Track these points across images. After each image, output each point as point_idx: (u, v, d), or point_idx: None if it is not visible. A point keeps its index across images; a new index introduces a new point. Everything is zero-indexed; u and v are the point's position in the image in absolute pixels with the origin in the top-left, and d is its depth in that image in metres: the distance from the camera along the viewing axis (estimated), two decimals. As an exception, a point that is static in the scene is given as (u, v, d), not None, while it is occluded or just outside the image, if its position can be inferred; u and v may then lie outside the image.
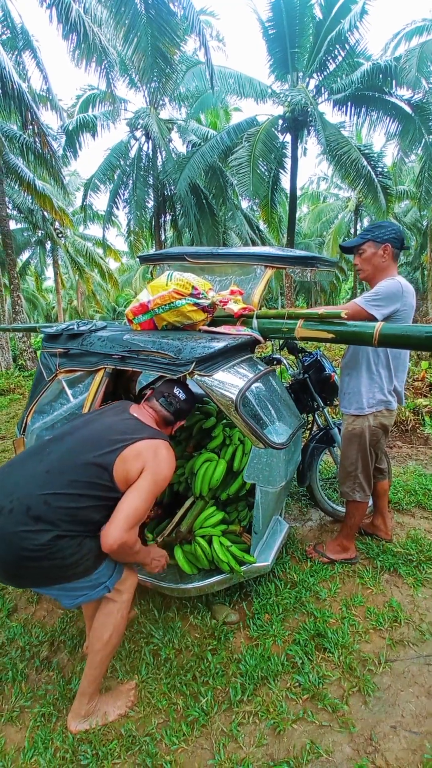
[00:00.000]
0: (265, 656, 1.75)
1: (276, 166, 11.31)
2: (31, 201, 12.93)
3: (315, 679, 1.65)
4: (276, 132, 10.72)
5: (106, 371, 1.95)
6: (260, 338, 2.02)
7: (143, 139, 12.33)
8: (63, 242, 18.72)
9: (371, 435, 2.09)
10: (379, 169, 10.68)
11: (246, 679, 1.66)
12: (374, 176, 10.43)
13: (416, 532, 2.56)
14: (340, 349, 6.52)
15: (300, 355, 2.82)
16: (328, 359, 2.79)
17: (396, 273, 2.06)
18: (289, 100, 10.11)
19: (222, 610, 1.98)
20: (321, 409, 2.70)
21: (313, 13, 9.28)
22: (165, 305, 2.03)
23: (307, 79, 10.46)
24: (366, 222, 20.88)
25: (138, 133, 12.30)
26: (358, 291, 21.70)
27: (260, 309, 2.18)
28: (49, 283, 29.13)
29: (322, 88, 10.53)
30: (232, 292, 2.17)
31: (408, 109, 9.74)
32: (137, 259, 2.78)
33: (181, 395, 1.69)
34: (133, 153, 12.46)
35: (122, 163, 12.36)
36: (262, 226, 15.15)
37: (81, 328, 2.14)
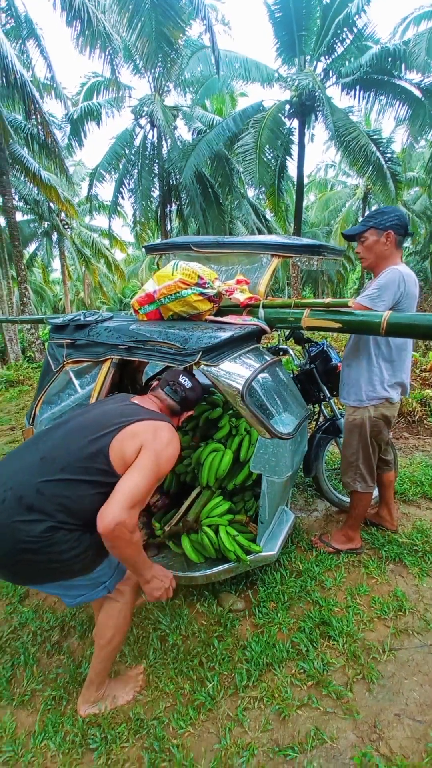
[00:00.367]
0: (271, 643, 1.77)
1: (283, 153, 11.10)
2: (37, 192, 12.90)
3: (320, 666, 1.67)
4: (283, 118, 10.50)
5: (112, 362, 1.95)
6: (266, 328, 2.00)
7: (148, 126, 12.17)
8: (69, 233, 18.68)
9: (372, 426, 2.07)
10: (388, 155, 10.43)
11: (251, 665, 1.69)
12: (383, 162, 10.19)
13: (422, 522, 2.55)
14: (345, 339, 6.48)
15: (306, 345, 2.80)
16: (334, 349, 2.77)
17: (399, 261, 2.01)
18: (296, 84, 9.88)
19: (228, 598, 2.00)
20: (327, 399, 2.69)
21: (320, -6, 9.02)
22: (171, 295, 2.02)
23: (315, 62, 10.20)
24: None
25: (143, 121, 12.14)
26: (366, 280, 21.41)
27: (266, 299, 2.16)
28: (56, 275, 29.15)
29: (330, 72, 10.26)
30: (238, 282, 2.15)
31: (418, 93, 9.48)
32: (143, 250, 2.77)
33: (187, 383, 1.63)
34: (138, 141, 12.31)
35: (127, 151, 12.22)
36: (268, 215, 14.94)
37: (87, 319, 2.14)
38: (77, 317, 2.15)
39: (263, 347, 2.15)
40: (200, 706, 1.55)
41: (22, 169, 10.36)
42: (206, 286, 2.04)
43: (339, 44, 9.54)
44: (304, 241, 2.35)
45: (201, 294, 2.03)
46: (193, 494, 2.12)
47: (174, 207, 13.53)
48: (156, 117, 10.28)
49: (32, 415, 2.21)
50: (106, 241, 18.27)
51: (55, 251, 20.38)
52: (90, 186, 12.60)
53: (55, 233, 18.42)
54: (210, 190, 12.16)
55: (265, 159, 9.96)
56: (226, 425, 2.21)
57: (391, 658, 1.73)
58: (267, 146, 9.94)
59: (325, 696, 1.57)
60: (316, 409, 2.89)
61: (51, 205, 14.55)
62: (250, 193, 14.16)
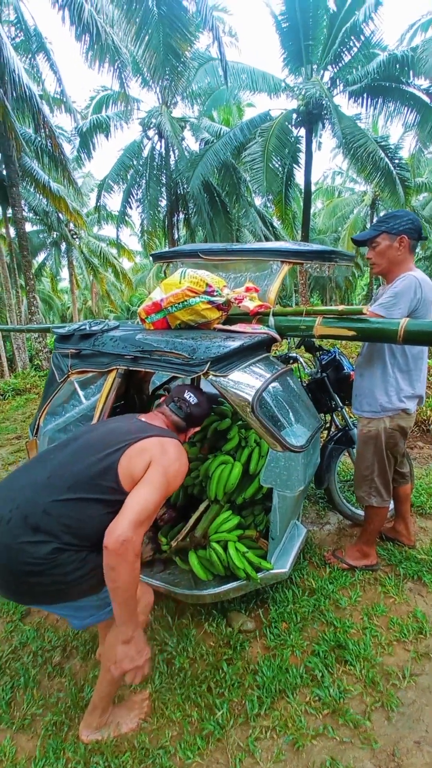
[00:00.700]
0: (283, 668, 1.68)
1: (290, 161, 11.13)
2: (46, 203, 13.10)
3: (336, 694, 1.58)
4: (290, 126, 10.56)
5: (118, 372, 1.90)
6: (277, 336, 1.94)
7: (156, 138, 12.33)
8: (77, 243, 18.93)
9: (388, 437, 1.98)
10: (397, 161, 10.40)
11: (263, 691, 1.60)
12: (392, 168, 10.16)
13: (441, 538, 2.44)
14: (356, 346, 6.37)
15: (318, 353, 2.73)
16: (346, 357, 2.70)
17: (413, 266, 1.94)
18: (303, 93, 9.93)
19: (238, 618, 1.92)
20: (339, 408, 2.61)
21: (326, 5, 9.09)
22: (178, 303, 1.98)
23: (322, 71, 10.26)
24: (383, 216, 20.40)
25: (151, 133, 12.31)
26: (374, 287, 21.29)
27: (276, 306, 2.10)
28: (64, 284, 29.55)
29: (337, 80, 10.31)
30: (248, 289, 2.10)
31: (426, 99, 9.48)
32: (150, 259, 2.75)
33: (192, 399, 1.61)
34: (146, 152, 12.48)
35: (135, 162, 12.39)
36: (275, 222, 14.98)
37: (93, 328, 2.11)
38: (83, 326, 2.11)
39: (272, 356, 2.09)
40: (209, 735, 1.47)
41: (32, 180, 10.54)
42: (215, 294, 2.00)
43: (346, 52, 9.59)
44: (315, 247, 2.30)
45: (209, 302, 1.98)
46: (201, 508, 2.05)
47: (181, 216, 13.64)
48: (164, 128, 10.41)
49: (36, 427, 2.17)
50: (114, 250, 18.48)
51: (63, 260, 20.67)
52: (98, 196, 12.77)
53: (64, 243, 18.69)
54: (217, 198, 12.24)
55: (272, 167, 10.00)
56: (236, 436, 2.14)
57: (412, 683, 1.64)
58: (274, 154, 9.98)
59: (342, 725, 1.49)
60: (327, 419, 2.81)
61: (60, 215, 14.76)
62: (258, 201, 14.23)
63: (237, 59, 11.35)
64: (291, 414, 1.86)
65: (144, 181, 12.45)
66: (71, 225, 16.78)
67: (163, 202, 13.06)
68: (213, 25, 6.79)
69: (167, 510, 2.25)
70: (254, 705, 1.55)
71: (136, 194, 12.84)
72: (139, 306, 2.17)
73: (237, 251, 2.33)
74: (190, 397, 1.62)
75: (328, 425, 2.80)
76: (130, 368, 1.86)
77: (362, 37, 9.13)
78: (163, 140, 11.90)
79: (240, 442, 2.15)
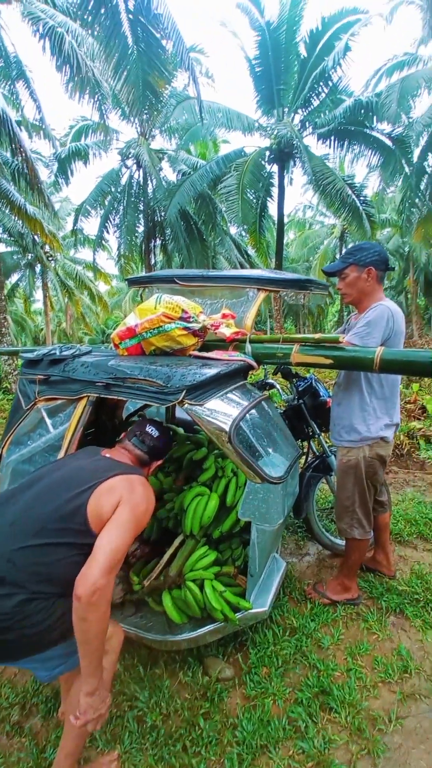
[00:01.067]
0: (264, 720, 1.56)
1: (264, 194, 11.62)
2: (21, 225, 12.98)
3: (320, 745, 1.48)
4: (263, 162, 11.08)
5: (89, 399, 1.81)
6: (254, 364, 1.92)
7: (134, 167, 12.62)
8: (53, 265, 18.77)
9: (367, 466, 1.96)
10: (362, 198, 11.06)
11: (243, 748, 1.47)
12: (359, 204, 10.78)
13: (420, 566, 2.41)
14: (331, 373, 6.50)
15: (294, 380, 2.73)
16: (322, 383, 2.71)
17: (382, 296, 1.98)
18: (275, 133, 10.50)
19: (215, 664, 1.79)
20: (317, 435, 2.59)
21: (298, 51, 9.73)
22: (153, 329, 1.93)
23: (293, 114, 10.91)
24: (351, 248, 21.47)
25: (129, 162, 12.60)
26: (344, 314, 22.14)
27: (252, 333, 2.09)
28: (38, 305, 29.03)
29: (307, 123, 10.98)
30: (224, 316, 2.09)
31: (389, 143, 10.18)
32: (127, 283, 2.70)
33: (154, 433, 1.61)
34: (124, 180, 12.72)
35: (113, 189, 12.58)
36: (250, 251, 15.45)
37: (63, 353, 2.01)
38: (52, 351, 2.02)
39: (249, 382, 2.05)
40: (184, 805, 1.32)
41: (8, 203, 10.45)
42: (191, 320, 1.96)
43: (315, 97, 10.26)
44: (291, 275, 2.33)
45: (185, 328, 1.94)
46: (176, 543, 1.93)
47: (158, 242, 13.84)
48: (142, 159, 10.68)
49: (-1, 457, 2.02)
50: (90, 273, 18.42)
51: (38, 282, 20.39)
52: (75, 220, 12.81)
53: (39, 265, 18.49)
54: (194, 226, 12.54)
55: (247, 199, 10.38)
56: (212, 466, 2.07)
57: (398, 727, 1.56)
58: (249, 188, 10.40)
59: (328, 782, 1.37)
60: (304, 446, 2.78)
61: (36, 237, 14.65)
62: (233, 230, 14.69)
63: (213, 98, 11.95)
64: (269, 443, 1.82)
65: (122, 207, 12.62)
66: (47, 247, 16.67)
67: (141, 228, 13.24)
68: (190, 66, 7.12)
69: (140, 545, 2.11)
70: (234, 763, 1.42)
71: (114, 219, 12.98)
72: (114, 329, 2.10)
73: (214, 278, 2.33)
74: (152, 430, 1.62)
75: (305, 452, 2.77)
76: (102, 396, 1.77)
77: (330, 83, 9.81)
78: (141, 170, 12.19)
79: (216, 472, 2.07)
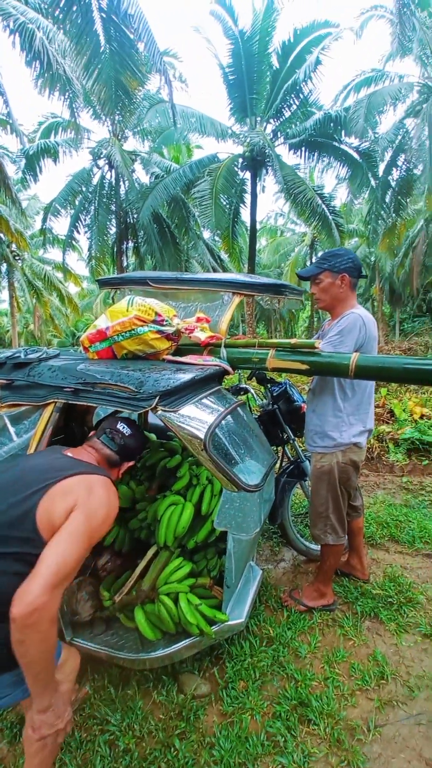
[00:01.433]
0: (242, 736, 1.51)
1: (237, 200, 11.72)
2: (-15, 222, 12.44)
3: (300, 759, 1.45)
4: (236, 169, 11.17)
5: (56, 406, 1.71)
6: (229, 369, 1.88)
7: (106, 168, 12.39)
8: (20, 265, 18.11)
9: (341, 472, 1.96)
10: (332, 208, 11.38)
11: (221, 767, 1.41)
12: (328, 214, 11.08)
13: (393, 569, 2.45)
14: (306, 379, 6.60)
15: (268, 385, 2.72)
16: (296, 388, 2.71)
17: (355, 303, 2.00)
18: (248, 140, 10.64)
19: (190, 681, 1.72)
20: (291, 440, 2.59)
21: (270, 61, 9.90)
22: (125, 332, 1.86)
23: (265, 123, 11.09)
24: (321, 256, 22.05)
25: (101, 162, 12.36)
26: (315, 320, 22.68)
27: (227, 337, 2.06)
28: (3, 306, 27.93)
29: (279, 133, 11.19)
30: (199, 320, 2.04)
31: (356, 156, 10.54)
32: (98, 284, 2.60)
33: (126, 430, 1.49)
34: (95, 180, 12.46)
35: (84, 189, 12.30)
36: (223, 256, 15.53)
37: (29, 356, 1.90)
38: (16, 354, 1.90)
39: (224, 387, 2.02)
40: None
41: (-29, 199, 10.00)
42: (164, 323, 1.91)
43: (287, 109, 10.47)
44: (267, 280, 2.32)
45: (158, 332, 1.88)
46: (149, 554, 1.86)
47: (131, 244, 13.64)
48: (114, 159, 10.50)
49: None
50: (60, 274, 17.92)
51: (3, 282, 19.59)
52: (44, 219, 12.41)
53: (4, 264, 17.79)
54: (167, 229, 12.45)
55: (220, 205, 10.43)
56: (186, 474, 2.01)
57: (377, 736, 1.55)
58: (222, 193, 10.45)
59: (307, 799, 1.34)
60: (278, 451, 2.77)
61: (1, 235, 14.09)
62: (206, 234, 14.72)
63: (187, 103, 11.94)
64: (245, 450, 1.78)
65: (93, 208, 12.34)
66: (13, 246, 16.06)
67: (113, 230, 13.00)
68: (163, 69, 7.10)
69: (110, 557, 2.02)
70: (210, 788, 1.36)
71: (85, 220, 12.67)
72: (84, 332, 2.01)
73: (188, 280, 2.28)
74: (123, 428, 1.50)
75: (279, 457, 2.76)
76: (70, 402, 1.68)
77: (301, 96, 10.04)
78: (113, 170, 11.98)
79: (191, 480, 2.02)
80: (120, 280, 2.56)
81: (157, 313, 1.89)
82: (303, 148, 10.97)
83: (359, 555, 2.34)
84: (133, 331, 1.84)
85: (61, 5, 6.60)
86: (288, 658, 1.83)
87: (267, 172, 11.51)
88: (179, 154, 14.99)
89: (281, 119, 10.83)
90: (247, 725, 1.55)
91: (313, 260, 2.18)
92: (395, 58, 10.27)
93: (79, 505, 1.12)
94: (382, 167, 10.67)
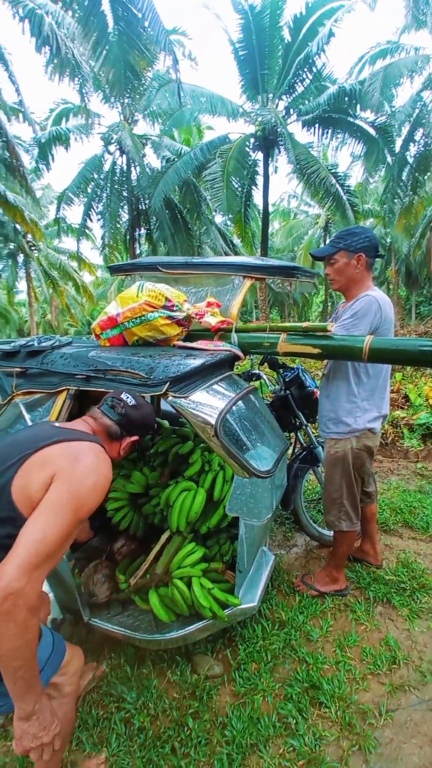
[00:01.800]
0: (254, 717, 1.53)
1: (249, 183, 11.44)
2: (1, 213, 12.53)
3: (311, 742, 1.46)
4: (248, 150, 10.88)
5: (69, 393, 1.72)
6: (240, 354, 1.86)
7: (117, 153, 12.25)
8: (36, 255, 18.25)
9: (355, 458, 1.92)
10: (346, 188, 11.00)
11: (233, 747, 1.44)
12: (342, 194, 10.71)
13: (406, 555, 2.42)
14: (318, 364, 6.51)
15: (280, 370, 2.68)
16: (309, 374, 2.67)
17: (371, 284, 1.91)
18: (259, 119, 10.31)
19: (204, 662, 1.75)
20: (304, 426, 2.56)
21: (281, 35, 9.49)
22: (136, 318, 1.85)
23: (277, 100, 10.71)
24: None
25: (112, 148, 12.22)
26: (329, 305, 22.23)
27: (238, 322, 2.03)
28: (21, 296, 28.28)
29: (291, 110, 10.80)
30: (209, 305, 2.02)
31: (372, 132, 10.10)
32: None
33: (130, 401, 1.35)
34: (107, 167, 12.34)
35: (96, 176, 12.21)
36: (236, 240, 15.28)
37: (42, 344, 1.91)
38: (30, 343, 1.92)
39: (235, 373, 1.99)
40: (173, 808, 1.29)
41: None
42: (174, 308, 1.89)
43: (299, 84, 10.07)
44: (278, 262, 2.26)
45: (169, 317, 1.87)
46: (163, 539, 1.88)
47: (143, 231, 13.54)
48: (125, 144, 10.36)
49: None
50: (75, 264, 17.99)
51: (21, 273, 19.80)
52: (58, 208, 12.41)
53: (21, 255, 17.95)
54: (179, 215, 12.30)
55: (232, 188, 10.21)
56: (198, 461, 2.01)
57: (388, 720, 1.55)
58: (234, 176, 10.21)
59: (319, 778, 1.36)
60: (291, 437, 2.75)
61: (17, 226, 14.18)
62: (218, 219, 14.48)
63: (197, 83, 11.64)
64: (256, 436, 1.77)
65: (105, 195, 12.27)
66: (29, 236, 16.16)
67: (125, 217, 12.92)
68: (169, 48, 6.90)
69: (126, 542, 2.06)
70: (224, 764, 1.39)
71: (97, 207, 12.62)
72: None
73: (198, 265, 2.25)
74: (127, 398, 1.36)
75: (292, 443, 2.74)
76: (82, 389, 1.69)
77: (314, 69, 9.63)
78: (124, 156, 11.84)
79: (203, 467, 2.02)
80: (131, 266, 2.54)
81: (167, 299, 1.87)
82: (317, 125, 10.57)
83: (372, 541, 2.33)
84: (143, 317, 1.83)
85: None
86: (300, 642, 1.84)
87: (279, 152, 11.16)
88: (190, 137, 14.68)
89: (294, 95, 10.43)
90: (259, 706, 1.58)
91: (333, 236, 2.07)
92: (410, 30, 9.71)
93: (60, 476, 1.01)
94: (398, 143, 10.19)
